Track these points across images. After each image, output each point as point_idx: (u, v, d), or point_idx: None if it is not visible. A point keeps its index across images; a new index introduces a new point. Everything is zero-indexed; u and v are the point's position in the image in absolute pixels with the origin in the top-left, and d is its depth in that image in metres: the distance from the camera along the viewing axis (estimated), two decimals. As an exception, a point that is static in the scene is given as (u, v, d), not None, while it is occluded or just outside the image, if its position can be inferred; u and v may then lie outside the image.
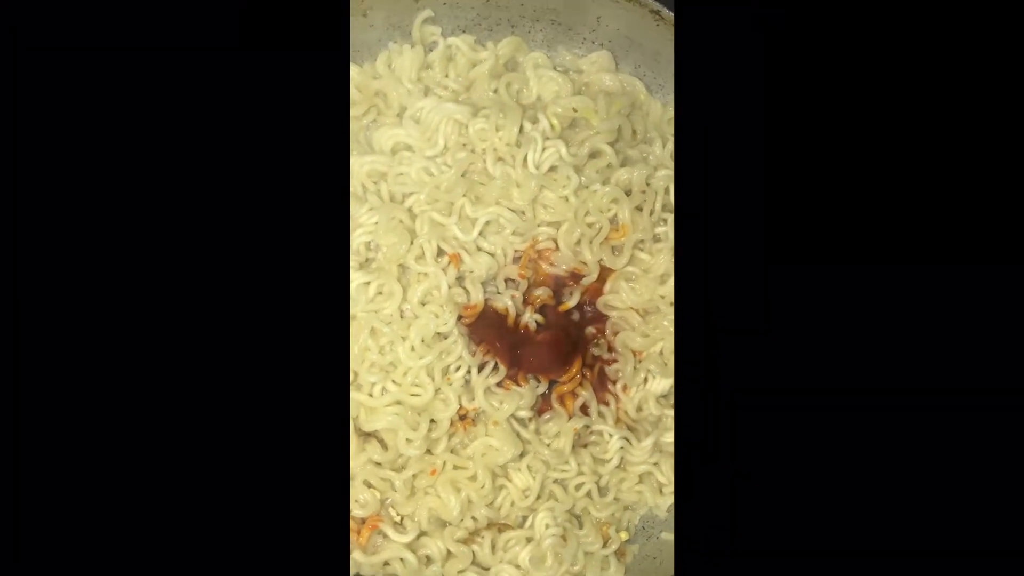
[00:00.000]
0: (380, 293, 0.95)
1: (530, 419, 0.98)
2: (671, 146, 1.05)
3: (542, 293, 1.00)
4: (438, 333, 0.95)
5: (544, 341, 0.99)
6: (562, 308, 1.01)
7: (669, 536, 1.02)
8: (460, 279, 0.98)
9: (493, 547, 0.97)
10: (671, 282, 1.01)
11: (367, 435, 0.96)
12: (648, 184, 1.02)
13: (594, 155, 1.02)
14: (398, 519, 0.97)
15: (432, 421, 0.95)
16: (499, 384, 0.97)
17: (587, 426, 0.99)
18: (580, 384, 1.00)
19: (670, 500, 1.03)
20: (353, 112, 1.02)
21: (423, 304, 0.96)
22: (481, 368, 0.97)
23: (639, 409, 1.01)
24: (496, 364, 0.97)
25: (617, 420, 1.01)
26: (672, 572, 0.97)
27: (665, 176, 1.02)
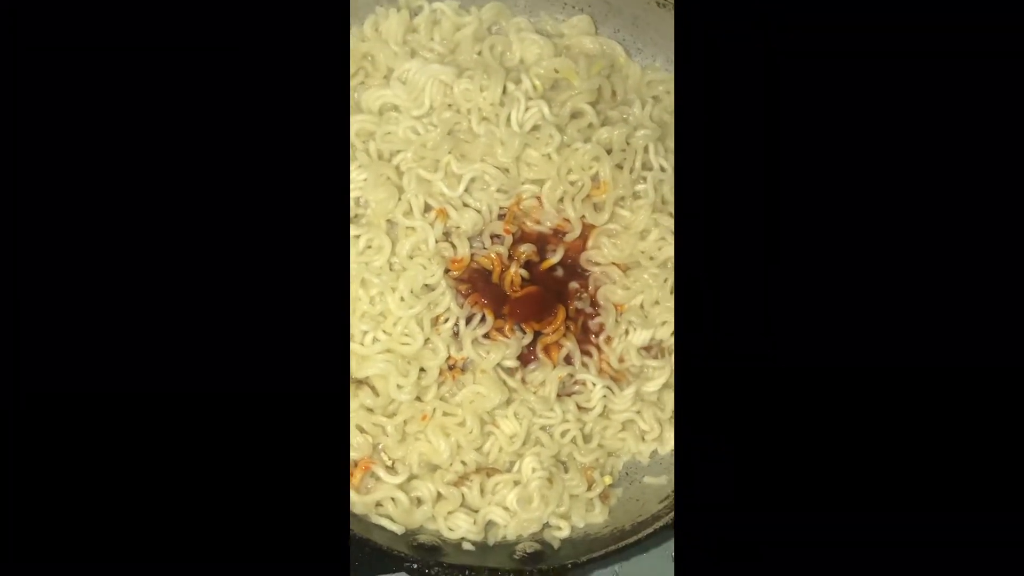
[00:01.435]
0: (370, 246, 0.99)
1: (516, 368, 1.02)
2: (650, 107, 1.09)
3: (526, 249, 1.04)
4: (426, 285, 0.99)
5: (528, 295, 1.03)
6: (544, 265, 1.04)
7: (651, 480, 1.06)
8: (447, 234, 1.01)
9: (482, 490, 1.00)
10: (651, 237, 1.05)
11: (359, 382, 0.99)
12: (628, 143, 1.06)
13: (576, 115, 1.05)
14: (390, 463, 1.00)
15: (422, 369, 0.98)
16: (486, 335, 1.01)
17: (571, 375, 1.03)
18: (564, 335, 1.04)
19: (652, 447, 1.07)
20: (342, 74, 1.06)
21: (411, 257, 0.99)
22: (469, 319, 1.00)
23: (621, 360, 1.05)
24: (483, 316, 1.01)
25: (600, 370, 1.05)
26: (652, 512, 1.01)
27: (644, 136, 1.06)
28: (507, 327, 1.02)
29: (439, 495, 0.99)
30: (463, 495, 1.00)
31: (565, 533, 1.01)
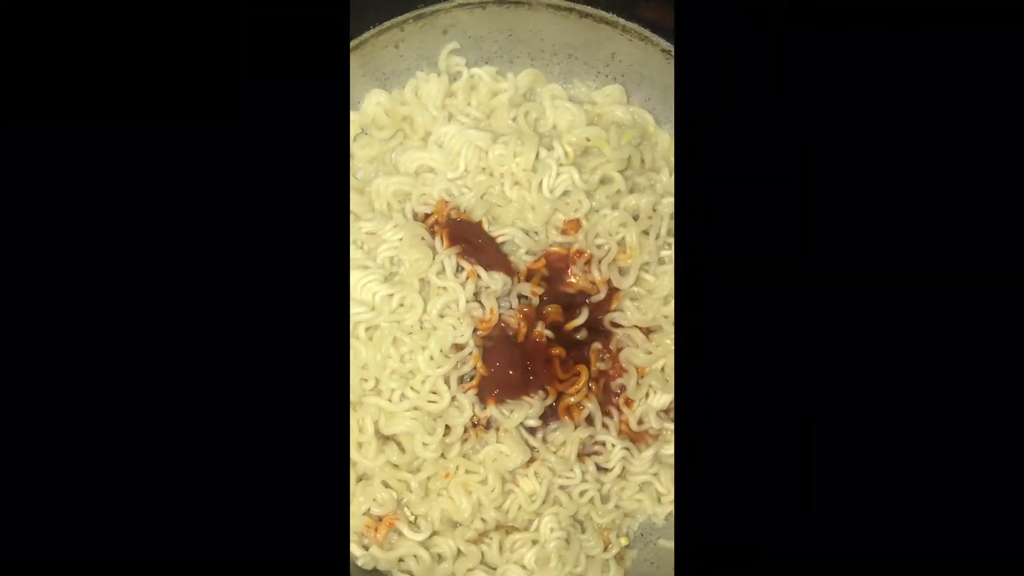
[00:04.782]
0: (402, 305, 1.01)
1: (538, 428, 1.04)
2: (677, 175, 1.12)
3: (552, 310, 1.06)
4: (455, 344, 1.01)
5: (553, 355, 1.05)
6: (569, 326, 1.06)
7: (666, 543, 1.08)
8: (477, 294, 1.04)
9: (501, 548, 1.02)
10: (673, 303, 1.07)
11: (386, 438, 1.01)
12: (655, 210, 1.08)
13: (605, 182, 1.08)
14: (413, 518, 1.02)
15: (447, 427, 1.01)
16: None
17: (591, 436, 1.05)
18: (586, 397, 1.05)
19: (668, 509, 1.09)
20: (381, 135, 1.09)
21: (442, 316, 1.01)
22: (495, 378, 1.02)
23: (640, 422, 1.07)
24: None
25: (620, 432, 1.07)
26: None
27: (670, 203, 1.09)
28: (530, 387, 1.04)
29: (459, 552, 1.01)
30: (482, 553, 1.02)
31: (581, 594, 1.03)
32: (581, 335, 1.07)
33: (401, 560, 1.00)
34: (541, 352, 1.04)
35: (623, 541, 1.07)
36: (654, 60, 1.10)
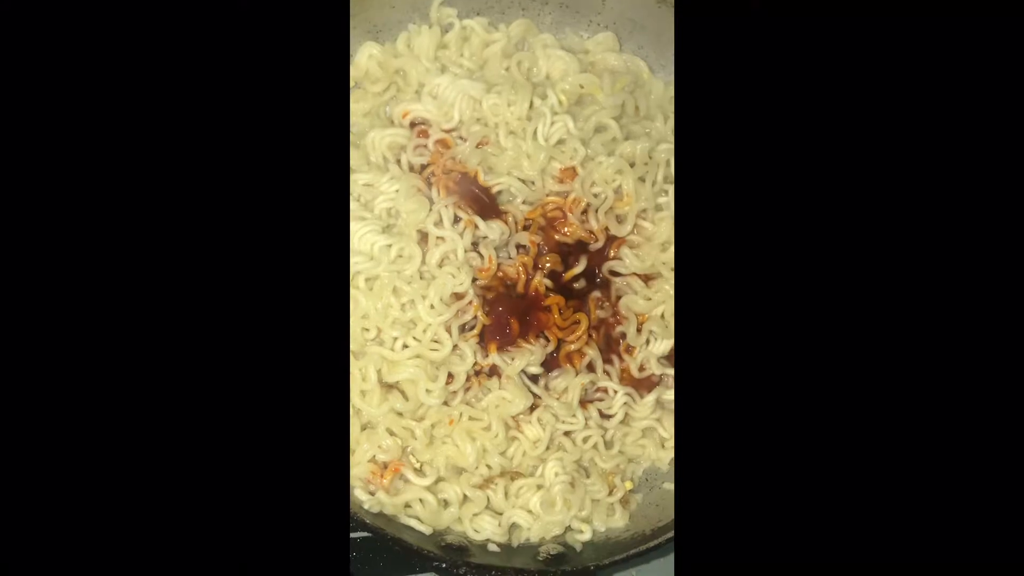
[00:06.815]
0: (401, 256, 1.02)
1: (540, 376, 1.05)
2: (672, 122, 1.12)
3: (551, 259, 1.07)
4: (455, 293, 1.02)
5: (552, 303, 1.06)
6: (568, 275, 1.07)
7: (670, 487, 1.08)
8: (475, 244, 1.04)
9: (506, 493, 1.03)
10: (672, 249, 1.08)
11: (389, 386, 1.02)
12: (650, 157, 1.09)
13: (600, 129, 1.09)
14: (418, 465, 1.03)
15: (449, 374, 1.01)
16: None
17: (593, 382, 1.06)
18: (586, 344, 1.06)
19: (671, 454, 1.09)
20: (375, 88, 1.09)
21: (441, 266, 1.02)
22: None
23: (642, 368, 1.07)
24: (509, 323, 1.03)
25: (621, 379, 1.07)
26: (672, 517, 1.03)
27: (666, 149, 1.09)
28: (531, 335, 1.04)
29: (465, 497, 1.02)
30: (488, 498, 1.03)
31: (587, 536, 1.04)
32: (580, 284, 1.08)
33: (407, 506, 1.01)
34: (540, 301, 1.05)
35: (628, 485, 1.08)
36: (646, 6, 1.10)
